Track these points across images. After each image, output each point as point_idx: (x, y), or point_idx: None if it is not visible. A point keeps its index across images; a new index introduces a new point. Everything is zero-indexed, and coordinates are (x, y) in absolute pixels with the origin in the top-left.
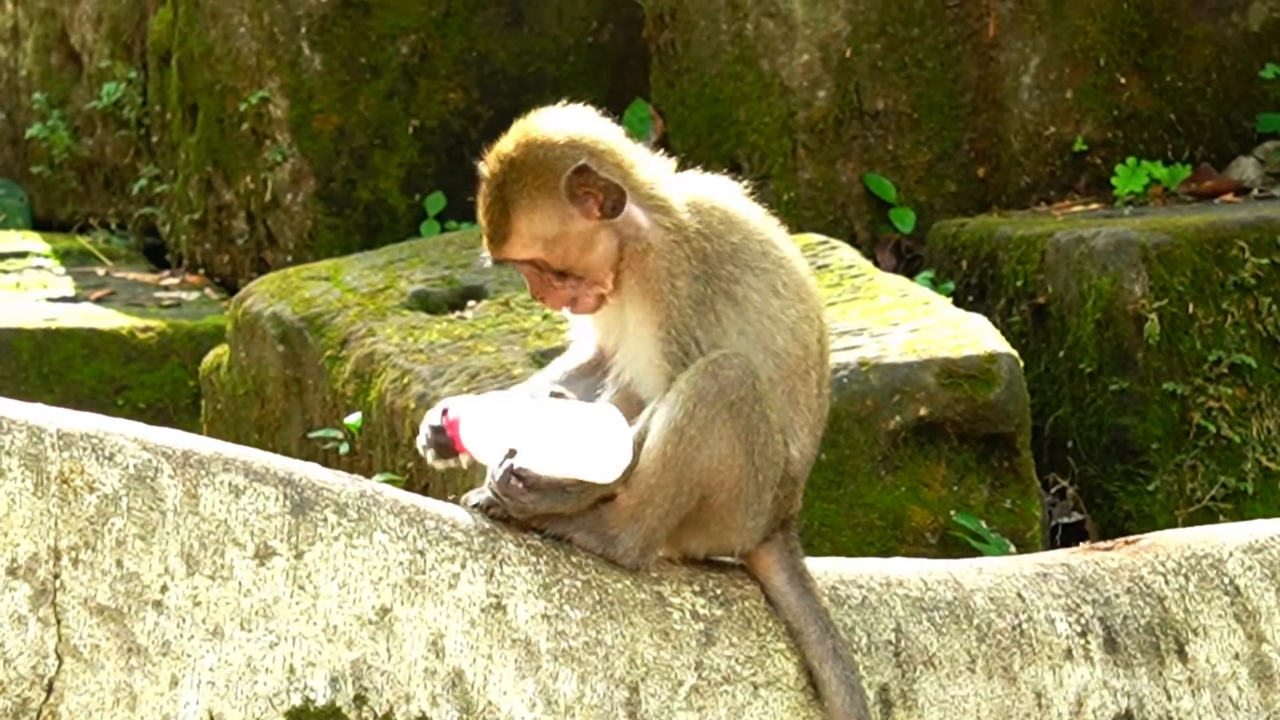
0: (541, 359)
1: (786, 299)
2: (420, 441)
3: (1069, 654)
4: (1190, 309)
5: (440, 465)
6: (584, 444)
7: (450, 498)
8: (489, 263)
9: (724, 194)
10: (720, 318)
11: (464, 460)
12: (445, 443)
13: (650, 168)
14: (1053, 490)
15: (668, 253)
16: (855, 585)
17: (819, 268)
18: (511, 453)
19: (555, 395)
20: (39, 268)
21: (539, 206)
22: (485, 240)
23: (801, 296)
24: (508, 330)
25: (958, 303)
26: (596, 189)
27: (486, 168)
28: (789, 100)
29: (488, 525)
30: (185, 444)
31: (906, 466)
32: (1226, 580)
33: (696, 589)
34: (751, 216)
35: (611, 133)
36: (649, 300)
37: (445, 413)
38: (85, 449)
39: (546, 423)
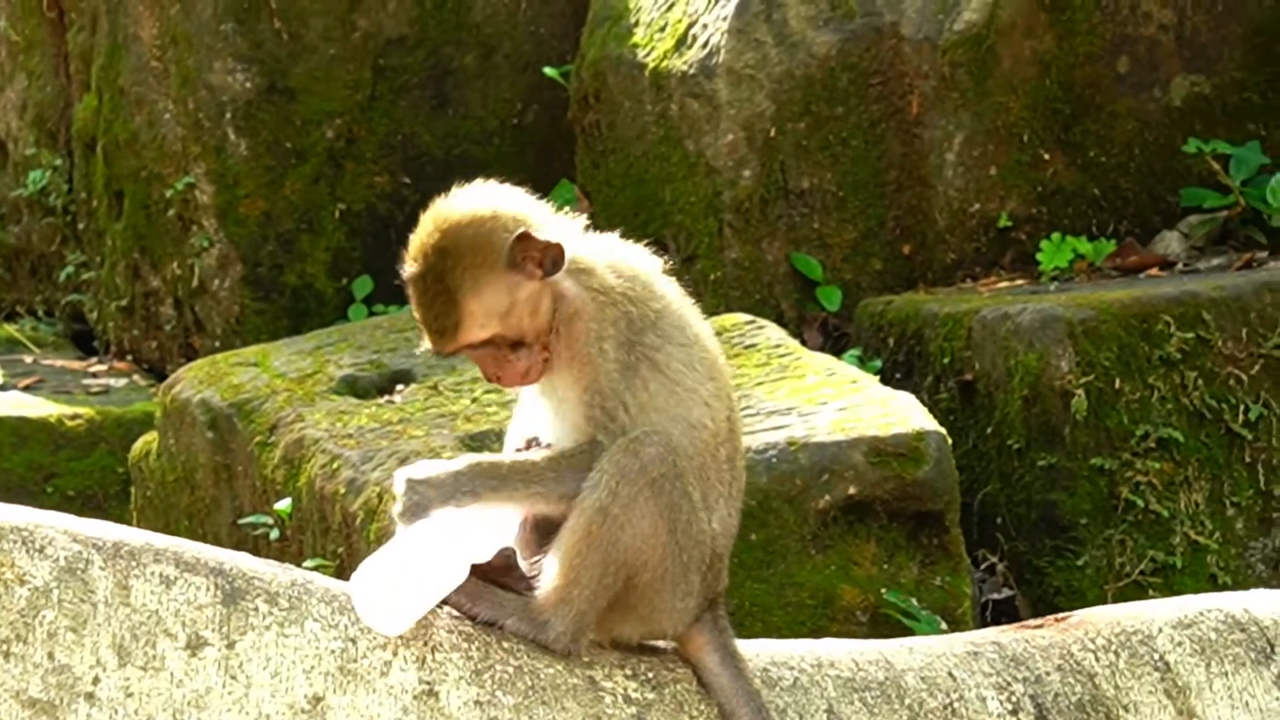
0: (470, 442)
1: (700, 374)
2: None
3: None
4: (1117, 384)
5: None
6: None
7: None
8: (428, 353)
9: (644, 261)
10: (647, 383)
11: None
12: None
13: (563, 228)
14: (982, 566)
15: (596, 315)
16: (787, 666)
17: (746, 347)
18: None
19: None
20: None
21: (486, 284)
22: (432, 336)
23: (713, 375)
24: (436, 414)
25: (885, 380)
26: (537, 251)
27: (414, 265)
28: (714, 180)
29: None
30: (116, 535)
31: (836, 545)
32: (1156, 656)
33: (629, 672)
34: (669, 288)
35: (521, 198)
36: (576, 364)
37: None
38: (15, 541)
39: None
